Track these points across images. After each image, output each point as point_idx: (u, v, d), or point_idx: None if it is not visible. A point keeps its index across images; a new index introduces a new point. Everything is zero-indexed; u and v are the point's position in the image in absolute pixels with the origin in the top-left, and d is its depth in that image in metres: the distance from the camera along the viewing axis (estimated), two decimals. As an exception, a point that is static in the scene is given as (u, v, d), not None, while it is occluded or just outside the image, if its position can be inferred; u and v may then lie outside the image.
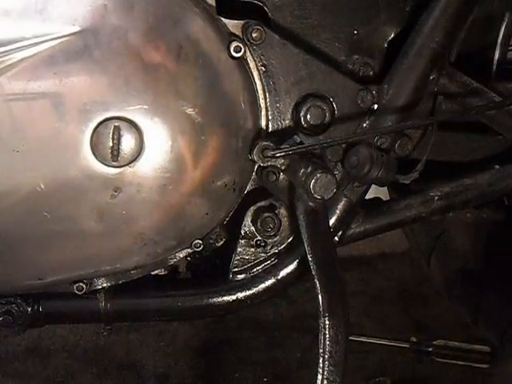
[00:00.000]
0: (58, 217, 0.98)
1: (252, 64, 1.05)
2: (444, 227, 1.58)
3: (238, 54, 1.01)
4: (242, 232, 1.13)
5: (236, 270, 1.15)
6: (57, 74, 0.92)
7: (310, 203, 1.03)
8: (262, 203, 1.13)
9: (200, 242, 1.09)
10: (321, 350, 0.99)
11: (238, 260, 1.14)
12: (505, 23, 1.24)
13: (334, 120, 1.09)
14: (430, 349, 1.77)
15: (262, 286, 1.14)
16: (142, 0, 0.94)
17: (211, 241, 1.12)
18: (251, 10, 1.06)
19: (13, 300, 1.10)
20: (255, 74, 1.05)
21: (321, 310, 1.00)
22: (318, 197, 0.97)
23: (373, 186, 1.15)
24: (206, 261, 1.17)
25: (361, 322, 1.91)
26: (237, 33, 1.02)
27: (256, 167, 1.09)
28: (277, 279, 1.14)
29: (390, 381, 1.70)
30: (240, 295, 1.14)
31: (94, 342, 1.81)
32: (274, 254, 1.15)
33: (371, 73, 1.12)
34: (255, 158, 1.02)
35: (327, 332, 0.99)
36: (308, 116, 1.08)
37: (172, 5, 0.97)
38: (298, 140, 1.08)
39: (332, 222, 1.13)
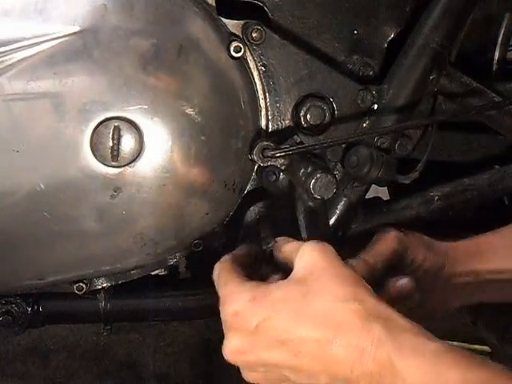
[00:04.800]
0: (57, 217, 0.98)
1: (252, 64, 1.05)
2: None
3: (238, 54, 1.01)
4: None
5: (236, 270, 1.14)
6: (57, 74, 0.91)
7: (310, 203, 1.03)
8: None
9: (200, 242, 1.09)
10: (321, 350, 0.99)
11: (237, 260, 1.14)
12: (505, 23, 1.24)
13: (334, 120, 1.09)
14: (430, 349, 1.76)
15: (262, 286, 1.14)
16: (142, 0, 0.94)
17: (211, 241, 1.12)
18: (251, 9, 1.06)
19: (13, 300, 1.10)
20: (255, 74, 1.05)
21: (321, 310, 0.99)
22: (318, 197, 0.97)
23: (373, 185, 1.15)
24: (206, 261, 1.17)
25: (361, 322, 1.90)
26: (237, 33, 1.02)
27: (256, 167, 1.09)
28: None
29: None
30: (240, 295, 1.14)
31: (94, 342, 1.81)
32: (274, 254, 1.14)
33: (371, 73, 1.12)
34: (255, 158, 1.02)
35: (327, 332, 0.98)
36: (308, 116, 1.07)
37: (172, 5, 0.97)
38: (298, 140, 1.08)
39: (332, 222, 1.13)
